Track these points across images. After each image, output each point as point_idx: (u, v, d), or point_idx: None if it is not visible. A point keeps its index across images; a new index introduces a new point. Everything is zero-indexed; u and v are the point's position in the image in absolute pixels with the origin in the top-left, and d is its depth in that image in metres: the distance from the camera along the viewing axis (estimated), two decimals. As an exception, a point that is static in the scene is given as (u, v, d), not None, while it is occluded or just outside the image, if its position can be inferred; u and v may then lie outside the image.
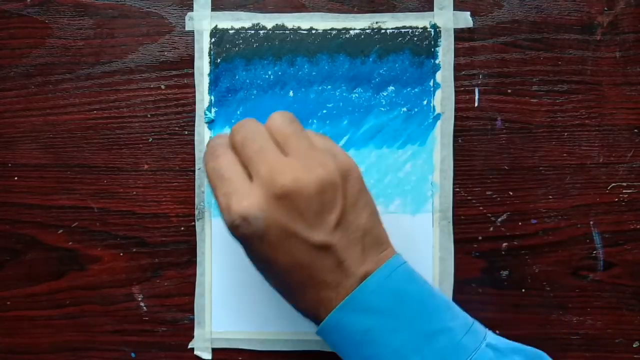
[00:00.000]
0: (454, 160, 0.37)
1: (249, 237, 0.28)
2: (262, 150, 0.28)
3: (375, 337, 0.28)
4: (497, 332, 0.37)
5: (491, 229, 0.37)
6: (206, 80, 0.38)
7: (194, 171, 0.38)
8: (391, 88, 0.37)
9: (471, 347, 0.28)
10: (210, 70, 0.38)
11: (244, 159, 0.29)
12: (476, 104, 0.37)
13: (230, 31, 0.38)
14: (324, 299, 0.29)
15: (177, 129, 0.38)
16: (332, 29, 0.37)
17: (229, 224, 0.28)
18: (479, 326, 0.30)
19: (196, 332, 0.38)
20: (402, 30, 0.37)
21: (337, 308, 0.28)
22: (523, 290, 0.37)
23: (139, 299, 0.38)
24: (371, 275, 0.28)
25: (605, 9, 0.37)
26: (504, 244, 0.37)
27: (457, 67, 0.37)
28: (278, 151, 0.29)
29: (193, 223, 0.38)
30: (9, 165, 0.38)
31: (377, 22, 0.37)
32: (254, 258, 0.30)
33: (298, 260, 0.28)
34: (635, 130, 0.37)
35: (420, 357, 0.28)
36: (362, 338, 0.28)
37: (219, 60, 0.38)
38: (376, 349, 0.28)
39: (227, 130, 0.38)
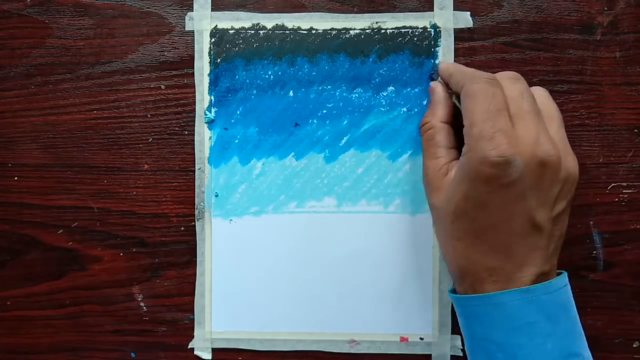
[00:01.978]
0: (454, 160, 0.37)
1: (495, 178, 0.28)
2: (536, 116, 0.29)
3: (531, 332, 0.29)
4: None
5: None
6: (206, 80, 0.38)
7: (194, 171, 0.38)
8: (391, 88, 0.37)
9: None
10: (210, 70, 0.38)
11: (517, 113, 0.29)
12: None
13: (230, 31, 0.38)
14: (498, 269, 0.29)
15: (177, 129, 0.38)
16: (332, 29, 0.37)
17: (488, 158, 0.28)
18: None
19: (196, 332, 0.38)
20: (402, 30, 0.37)
21: (515, 290, 0.29)
22: (523, 290, 0.37)
23: (139, 299, 0.38)
24: (557, 278, 0.30)
25: (605, 9, 0.37)
26: (504, 244, 0.37)
27: (457, 67, 0.37)
28: (545, 125, 0.30)
29: (193, 223, 0.38)
30: (9, 165, 0.38)
31: (377, 22, 0.37)
32: (470, 197, 0.29)
33: (512, 225, 0.29)
34: (635, 130, 0.37)
35: None
36: (520, 326, 0.29)
37: (219, 60, 0.38)
38: (524, 343, 0.29)
39: (227, 131, 0.38)
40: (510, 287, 0.29)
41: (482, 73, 0.31)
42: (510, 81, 0.30)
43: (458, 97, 0.31)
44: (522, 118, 0.29)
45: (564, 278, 0.31)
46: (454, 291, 0.32)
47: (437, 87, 0.34)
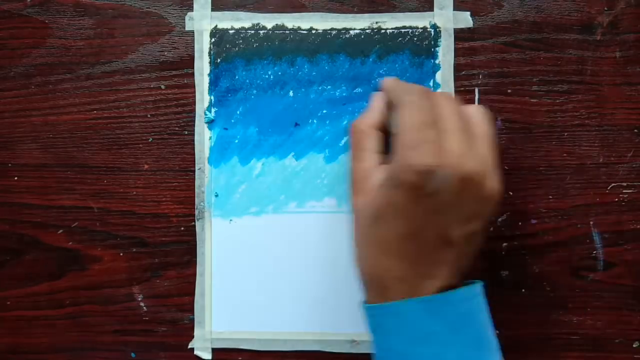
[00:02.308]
0: (454, 160, 0.37)
1: (416, 187, 0.28)
2: (464, 133, 0.29)
3: (431, 342, 0.29)
4: (497, 331, 0.37)
5: (491, 229, 0.37)
6: (206, 80, 0.38)
7: (194, 171, 0.38)
8: (391, 88, 0.37)
9: None
10: (210, 70, 0.38)
11: (444, 127, 0.29)
12: (476, 104, 0.37)
13: (230, 31, 0.38)
14: (406, 278, 0.30)
15: (177, 129, 0.38)
16: (332, 29, 0.37)
17: (412, 165, 0.28)
18: None
19: (196, 332, 0.38)
20: (402, 30, 0.37)
21: (415, 299, 0.29)
22: (523, 290, 0.37)
23: (139, 299, 0.38)
24: (462, 289, 0.30)
25: (605, 9, 0.37)
26: (504, 244, 0.37)
27: (457, 67, 0.37)
28: (474, 144, 0.30)
29: (193, 223, 0.38)
30: (9, 165, 0.38)
31: (377, 22, 0.37)
32: (390, 202, 0.29)
33: (425, 236, 0.29)
34: (635, 130, 0.37)
35: None
36: (421, 337, 0.29)
37: (219, 60, 0.38)
38: (423, 353, 0.29)
39: (227, 131, 0.38)
40: (414, 297, 0.30)
41: (418, 87, 0.31)
42: (444, 99, 0.31)
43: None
44: (451, 134, 0.29)
45: (472, 289, 0.30)
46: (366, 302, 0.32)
47: (376, 95, 0.34)
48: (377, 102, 0.33)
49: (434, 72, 0.37)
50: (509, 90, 0.37)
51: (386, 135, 0.33)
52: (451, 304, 0.30)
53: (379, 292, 0.31)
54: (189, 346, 0.38)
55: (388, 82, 0.34)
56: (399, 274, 0.30)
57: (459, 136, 0.29)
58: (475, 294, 0.31)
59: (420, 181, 0.28)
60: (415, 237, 0.29)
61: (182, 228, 0.38)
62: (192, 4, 0.38)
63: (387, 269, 0.30)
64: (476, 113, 0.31)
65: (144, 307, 0.38)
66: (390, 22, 0.37)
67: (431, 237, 0.29)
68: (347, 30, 0.37)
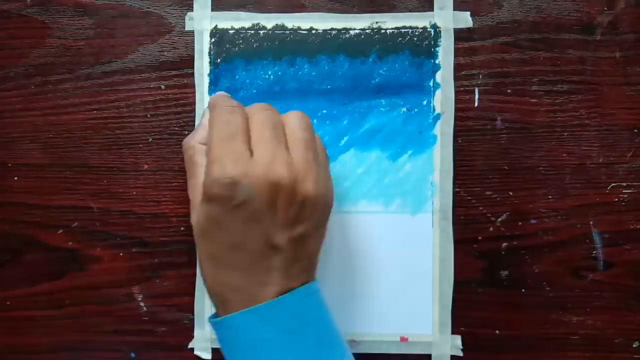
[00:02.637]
0: (454, 160, 0.37)
1: (225, 198, 0.29)
2: (274, 140, 0.30)
3: (268, 350, 0.29)
4: (497, 332, 0.38)
5: (491, 229, 0.37)
6: (206, 80, 0.38)
7: (194, 171, 0.38)
8: (391, 88, 0.37)
9: None
10: (210, 70, 0.38)
11: (255, 137, 0.30)
12: (476, 104, 0.37)
13: (230, 31, 0.38)
14: (242, 289, 0.30)
15: (177, 129, 0.38)
16: (332, 29, 0.37)
17: (215, 178, 0.29)
18: None
19: (196, 332, 0.38)
20: (402, 30, 0.37)
21: (245, 310, 0.29)
22: (523, 290, 0.37)
23: (139, 299, 0.38)
24: (290, 292, 0.30)
25: (605, 9, 0.37)
26: (504, 244, 0.37)
27: (457, 67, 0.37)
28: (286, 150, 0.30)
29: (193, 223, 0.38)
30: (9, 165, 0.38)
31: (377, 22, 0.37)
32: (208, 217, 0.30)
33: (249, 245, 0.30)
34: (635, 130, 0.37)
35: None
36: (256, 345, 0.29)
37: (219, 60, 0.38)
38: (269, 357, 0.29)
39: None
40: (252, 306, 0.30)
41: (227, 103, 0.31)
42: (257, 110, 0.31)
43: None
44: (261, 143, 0.30)
45: (302, 290, 0.30)
46: (215, 316, 0.32)
47: (205, 112, 0.34)
48: (204, 119, 0.33)
49: (434, 72, 0.37)
50: (509, 90, 0.37)
51: None
52: (282, 308, 0.30)
53: (221, 306, 0.31)
54: (189, 346, 0.38)
55: (212, 98, 0.33)
56: (235, 285, 0.30)
57: (267, 144, 0.29)
58: (307, 293, 0.31)
59: (227, 193, 0.29)
60: (240, 248, 0.30)
61: (182, 228, 0.38)
62: (192, 4, 0.38)
63: (224, 282, 0.30)
64: (292, 119, 0.31)
65: (144, 307, 0.38)
66: (390, 22, 0.37)
67: (255, 245, 0.30)
68: (347, 30, 0.37)
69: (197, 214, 0.31)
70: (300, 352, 0.30)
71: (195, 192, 0.31)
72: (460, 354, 0.37)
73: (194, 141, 0.33)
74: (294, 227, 0.30)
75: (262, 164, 0.29)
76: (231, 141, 0.29)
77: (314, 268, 0.33)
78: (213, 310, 0.38)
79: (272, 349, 0.29)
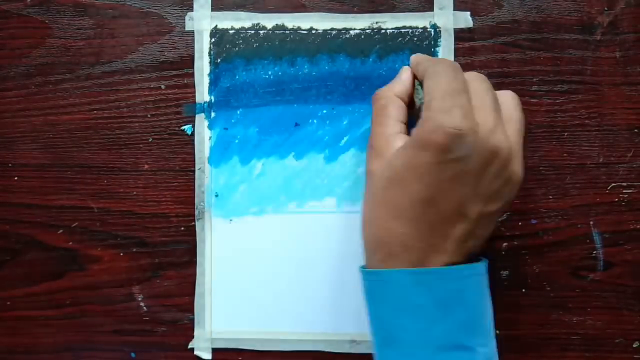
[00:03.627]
0: (454, 160, 0.37)
1: (442, 149, 0.28)
2: (496, 111, 0.29)
3: (417, 315, 0.29)
4: (497, 332, 0.37)
5: (491, 229, 0.37)
6: (206, 80, 0.38)
7: (194, 171, 0.38)
8: (391, 88, 0.37)
9: None
10: (210, 70, 0.38)
11: (477, 103, 0.29)
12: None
13: (230, 31, 0.38)
14: (412, 247, 0.29)
15: (177, 129, 0.38)
16: (332, 29, 0.37)
17: (443, 126, 0.27)
18: None
19: (196, 332, 0.38)
20: (402, 30, 0.37)
21: (408, 270, 0.29)
22: (523, 290, 0.37)
23: (139, 299, 0.38)
24: (457, 267, 0.29)
25: (605, 9, 0.37)
26: (504, 244, 0.37)
27: (457, 67, 0.37)
28: (502, 122, 0.29)
29: (193, 223, 0.38)
30: (9, 165, 0.38)
31: (377, 22, 0.37)
32: (413, 163, 0.29)
33: (441, 205, 0.29)
34: (635, 130, 0.37)
35: (435, 357, 0.29)
36: (407, 308, 0.29)
37: (219, 60, 0.38)
38: (407, 325, 0.29)
39: (227, 131, 0.38)
40: (417, 268, 0.29)
41: (450, 60, 0.31)
42: (477, 78, 0.30)
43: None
44: (483, 110, 0.29)
45: (467, 268, 0.30)
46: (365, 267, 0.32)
47: (404, 69, 0.34)
48: (404, 74, 0.33)
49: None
50: (509, 90, 0.37)
51: (409, 109, 0.33)
52: (441, 279, 0.29)
53: (382, 257, 0.30)
54: (189, 346, 0.38)
55: (417, 55, 0.34)
56: (407, 241, 0.29)
57: (490, 112, 0.29)
58: (471, 273, 0.30)
59: (449, 143, 0.27)
60: (431, 205, 0.29)
61: (182, 228, 0.38)
62: (192, 4, 0.38)
63: (396, 235, 0.29)
64: (508, 98, 0.31)
65: (144, 307, 0.38)
66: (390, 22, 0.37)
67: (448, 207, 0.29)
68: (347, 30, 0.37)
69: (389, 161, 0.30)
70: (447, 327, 0.29)
71: (382, 141, 0.31)
72: (461, 354, 0.37)
73: (391, 92, 0.32)
74: (490, 201, 0.29)
75: (485, 128, 0.28)
76: (459, 95, 0.28)
77: (477, 251, 0.31)
78: (213, 310, 0.38)
79: (422, 316, 0.29)
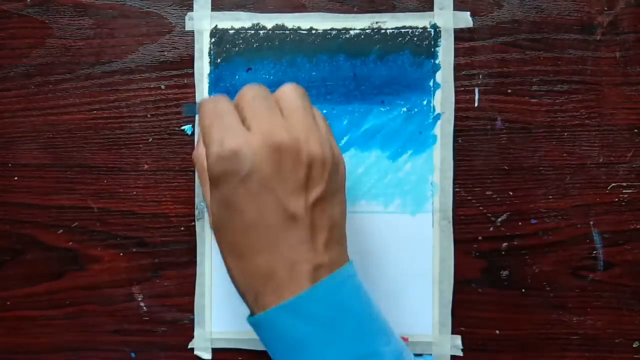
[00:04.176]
0: (454, 160, 0.37)
1: (230, 173, 0.28)
2: (268, 110, 0.29)
3: (307, 347, 0.28)
4: (497, 332, 0.38)
5: (491, 229, 0.37)
6: (206, 81, 0.38)
7: (194, 171, 0.38)
8: (391, 88, 0.37)
9: None
10: (210, 71, 0.38)
11: (249, 114, 0.29)
12: (476, 104, 0.37)
13: (230, 31, 0.38)
14: (271, 274, 0.28)
15: (177, 129, 0.38)
16: (332, 29, 0.37)
17: (216, 155, 0.28)
18: (408, 354, 0.30)
19: (196, 332, 0.38)
20: (402, 30, 0.37)
21: (278, 307, 0.28)
22: (523, 290, 0.37)
23: (139, 299, 0.38)
24: (321, 281, 0.28)
25: (605, 9, 0.37)
26: (504, 244, 0.37)
27: (457, 67, 0.37)
28: (283, 118, 0.29)
29: (193, 223, 0.38)
30: (9, 165, 0.38)
31: (377, 22, 0.37)
32: (220, 202, 0.29)
33: (266, 219, 0.28)
34: (635, 130, 0.37)
35: None
36: (295, 344, 0.28)
37: (219, 60, 0.38)
38: (305, 358, 0.28)
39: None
40: (287, 295, 0.28)
41: (216, 96, 0.31)
42: (245, 89, 0.30)
43: None
44: (256, 117, 0.28)
45: (335, 277, 0.29)
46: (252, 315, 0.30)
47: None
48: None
49: (434, 72, 0.37)
50: (509, 90, 0.37)
51: None
52: (317, 299, 0.28)
53: (254, 302, 0.29)
54: (189, 346, 0.38)
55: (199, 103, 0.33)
56: (262, 272, 0.28)
57: (262, 115, 0.28)
58: (341, 279, 0.29)
59: (231, 167, 0.28)
60: (257, 226, 0.28)
61: (182, 228, 0.38)
62: (192, 4, 0.38)
63: (250, 272, 0.29)
64: (286, 91, 0.30)
65: (144, 307, 0.38)
66: (390, 22, 0.37)
67: (273, 218, 0.28)
68: (347, 30, 0.37)
69: (210, 210, 0.30)
70: (343, 344, 0.28)
71: (207, 198, 0.31)
72: (460, 354, 0.37)
73: (199, 151, 0.32)
74: (307, 191, 0.28)
75: (259, 133, 0.28)
76: (222, 119, 0.28)
77: (343, 245, 0.31)
78: (213, 310, 0.38)
79: (312, 345, 0.28)
